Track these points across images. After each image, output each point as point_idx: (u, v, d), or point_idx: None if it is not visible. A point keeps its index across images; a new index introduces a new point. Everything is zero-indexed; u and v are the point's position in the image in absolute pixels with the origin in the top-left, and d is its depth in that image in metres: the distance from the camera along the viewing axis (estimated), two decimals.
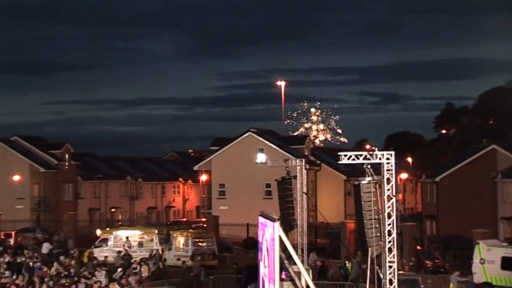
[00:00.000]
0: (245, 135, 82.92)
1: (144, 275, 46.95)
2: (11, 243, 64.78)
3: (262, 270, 34.52)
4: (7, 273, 43.79)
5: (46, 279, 41.39)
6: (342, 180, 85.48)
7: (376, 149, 27.77)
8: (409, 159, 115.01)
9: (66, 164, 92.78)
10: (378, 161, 26.96)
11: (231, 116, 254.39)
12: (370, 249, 27.17)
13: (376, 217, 27.11)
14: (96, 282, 40.49)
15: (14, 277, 42.44)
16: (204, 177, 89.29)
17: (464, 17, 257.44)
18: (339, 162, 28.28)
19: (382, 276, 27.17)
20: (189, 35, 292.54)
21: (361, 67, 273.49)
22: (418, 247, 55.51)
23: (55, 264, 47.92)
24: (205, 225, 72.26)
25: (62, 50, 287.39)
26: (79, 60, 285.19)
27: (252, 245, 58.53)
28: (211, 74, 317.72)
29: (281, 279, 31.57)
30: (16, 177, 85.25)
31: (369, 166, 27.06)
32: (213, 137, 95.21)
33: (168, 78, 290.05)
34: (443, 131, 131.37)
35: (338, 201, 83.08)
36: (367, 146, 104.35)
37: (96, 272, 45.19)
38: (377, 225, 27.05)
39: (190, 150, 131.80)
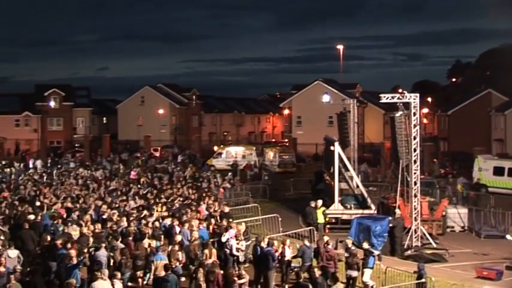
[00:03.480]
0: (315, 82, 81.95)
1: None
2: (157, 155, 66.43)
3: (326, 175, 34.58)
4: (155, 175, 44.84)
5: (181, 180, 42.24)
6: (381, 113, 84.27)
7: (405, 92, 27.27)
8: (429, 99, 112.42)
9: (194, 102, 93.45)
10: (407, 100, 26.49)
11: (305, 69, 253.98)
12: (401, 161, 26.86)
13: (406, 139, 26.75)
14: (214, 182, 41.13)
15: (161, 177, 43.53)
16: (286, 112, 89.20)
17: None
18: (380, 101, 27.83)
19: (409, 179, 26.88)
20: (275, 14, 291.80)
21: (396, 35, 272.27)
22: (435, 160, 54.83)
23: (187, 169, 48.86)
24: (287, 144, 72.28)
25: (190, 25, 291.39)
26: (202, 32, 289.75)
27: (319, 157, 58.51)
28: (291, 41, 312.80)
29: (339, 181, 31.60)
30: (160, 111, 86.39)
31: (401, 104, 26.64)
32: (293, 84, 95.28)
33: (262, 44, 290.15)
34: (454, 79, 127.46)
35: (379, 128, 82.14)
36: (400, 90, 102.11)
37: (214, 175, 45.99)
38: (406, 145, 26.70)
39: (277, 93, 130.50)
